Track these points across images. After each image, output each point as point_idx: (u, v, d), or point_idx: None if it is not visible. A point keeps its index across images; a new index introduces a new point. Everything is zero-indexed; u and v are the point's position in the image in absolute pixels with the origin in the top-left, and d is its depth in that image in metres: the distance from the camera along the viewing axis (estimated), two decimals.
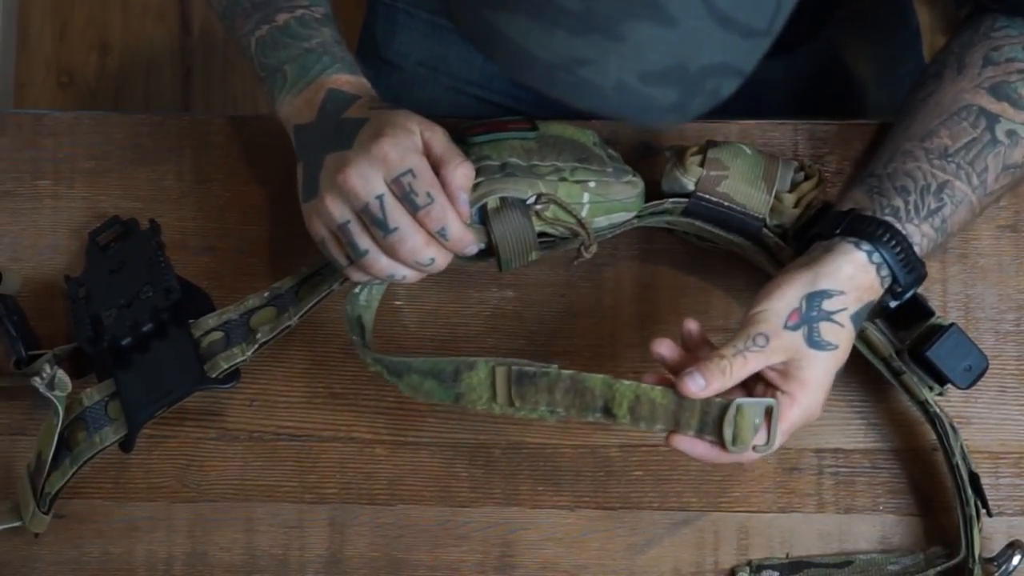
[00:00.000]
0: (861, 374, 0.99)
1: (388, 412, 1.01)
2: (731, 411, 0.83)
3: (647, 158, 1.00)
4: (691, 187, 0.94)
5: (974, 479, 0.94)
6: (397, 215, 0.83)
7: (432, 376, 0.88)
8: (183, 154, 1.04)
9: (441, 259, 0.86)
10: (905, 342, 0.95)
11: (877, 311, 0.89)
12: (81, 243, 1.03)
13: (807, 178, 0.96)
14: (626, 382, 0.84)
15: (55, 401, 0.94)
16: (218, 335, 0.95)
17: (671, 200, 0.95)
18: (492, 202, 0.90)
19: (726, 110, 0.99)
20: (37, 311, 1.02)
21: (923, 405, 0.95)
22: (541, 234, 0.92)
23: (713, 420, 0.83)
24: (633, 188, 0.93)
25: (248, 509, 1.01)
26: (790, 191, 0.95)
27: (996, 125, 0.89)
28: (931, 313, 0.94)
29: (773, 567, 0.99)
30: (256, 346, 0.95)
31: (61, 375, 0.94)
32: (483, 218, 0.90)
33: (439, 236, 0.84)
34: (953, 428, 0.95)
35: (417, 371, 0.88)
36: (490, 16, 0.64)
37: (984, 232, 1.01)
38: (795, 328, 0.83)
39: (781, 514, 1.00)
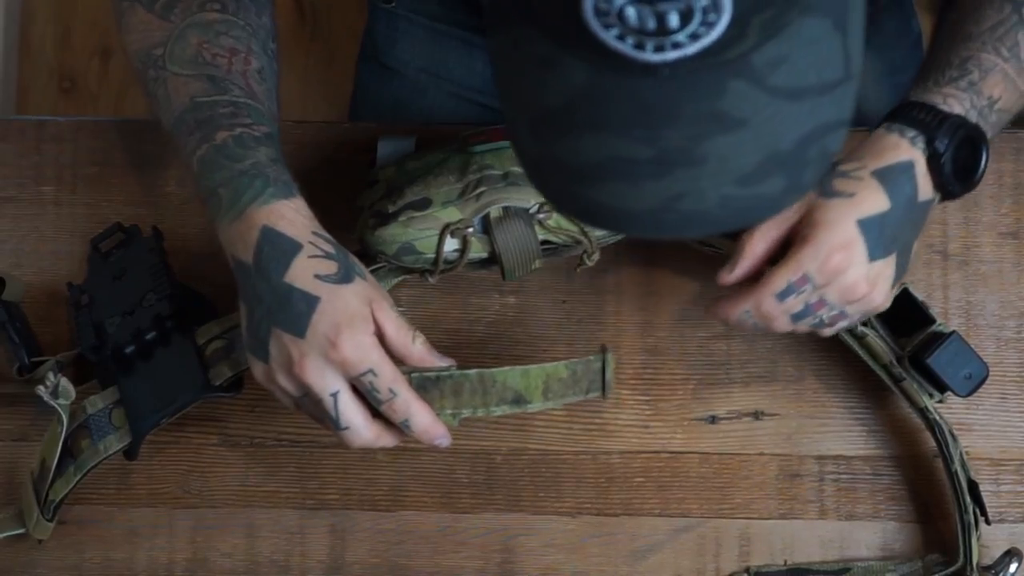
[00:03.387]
0: (862, 381, 0.99)
1: None
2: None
3: None
4: None
5: (973, 487, 0.94)
6: (350, 414, 0.82)
7: None
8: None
9: (399, 439, 0.86)
10: (906, 349, 0.95)
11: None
12: (83, 249, 1.03)
13: None
14: (534, 368, 0.85)
15: (59, 409, 0.94)
16: (221, 343, 0.95)
17: None
18: (495, 212, 0.90)
19: None
20: (39, 317, 1.02)
21: (923, 412, 0.95)
22: (544, 242, 0.92)
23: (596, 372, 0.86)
24: None
25: (249, 515, 1.01)
26: None
27: (1022, 8, 0.86)
28: (932, 320, 0.94)
29: (772, 574, 0.99)
30: None
31: (65, 383, 0.94)
32: (486, 228, 0.91)
33: (403, 426, 0.84)
34: (952, 435, 0.95)
35: None
36: (580, 191, 0.65)
37: (985, 239, 1.01)
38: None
39: (782, 520, 1.00)
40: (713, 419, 1.01)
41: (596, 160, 0.64)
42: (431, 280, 0.93)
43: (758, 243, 0.83)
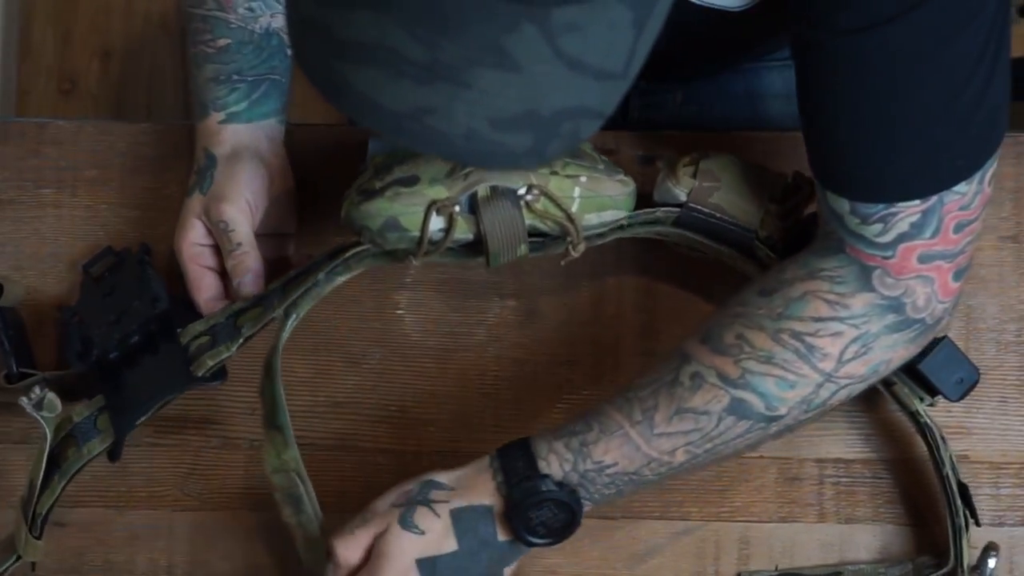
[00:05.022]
0: None
1: (389, 421, 1.01)
2: None
3: (642, 170, 1.00)
4: (683, 198, 0.94)
5: (963, 490, 0.95)
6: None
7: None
8: (184, 162, 1.04)
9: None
10: None
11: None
12: (85, 251, 1.03)
13: (798, 190, 0.96)
14: None
15: (42, 422, 0.93)
16: (205, 338, 0.95)
17: (663, 209, 0.95)
18: (482, 191, 0.90)
19: (728, 123, 0.99)
20: (39, 319, 1.02)
21: (914, 416, 0.95)
22: (530, 233, 0.91)
23: None
24: (624, 187, 0.93)
25: (249, 518, 1.01)
26: (781, 203, 0.95)
27: (685, 366, 0.86)
28: None
29: None
30: (241, 340, 0.94)
31: (52, 397, 0.93)
32: (473, 207, 0.90)
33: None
34: (943, 438, 0.95)
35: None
36: (338, 66, 0.64)
37: (986, 243, 1.01)
38: (399, 506, 0.87)
39: (782, 524, 1.00)
40: None
41: (367, 42, 0.62)
42: (414, 262, 0.92)
43: (351, 554, 0.87)
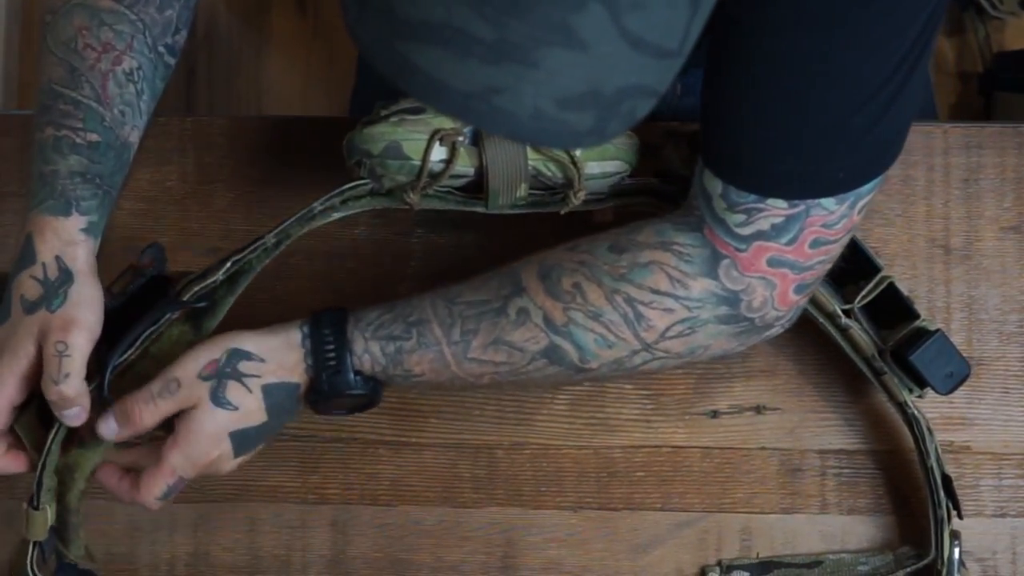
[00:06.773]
0: (860, 376, 0.99)
1: (391, 412, 1.01)
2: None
3: (643, 161, 1.00)
4: (684, 171, 0.94)
5: (947, 481, 0.95)
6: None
7: None
8: (186, 155, 1.05)
9: None
10: (888, 342, 0.95)
11: None
12: None
13: None
14: None
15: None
16: (195, 276, 0.93)
17: (663, 179, 0.95)
18: None
19: None
20: None
21: (901, 407, 0.95)
22: (531, 187, 0.91)
23: None
24: (629, 138, 0.93)
25: (251, 509, 1.01)
26: None
27: (516, 298, 0.87)
28: (916, 315, 0.94)
29: (743, 567, 0.99)
30: (228, 264, 0.92)
31: None
32: (476, 140, 0.90)
33: None
34: (930, 430, 0.95)
35: None
36: (402, 48, 0.63)
37: (987, 234, 1.01)
38: (207, 379, 0.87)
39: (784, 515, 1.00)
40: (715, 414, 1.01)
41: (433, 21, 0.62)
42: (412, 198, 0.91)
43: (150, 416, 0.87)
